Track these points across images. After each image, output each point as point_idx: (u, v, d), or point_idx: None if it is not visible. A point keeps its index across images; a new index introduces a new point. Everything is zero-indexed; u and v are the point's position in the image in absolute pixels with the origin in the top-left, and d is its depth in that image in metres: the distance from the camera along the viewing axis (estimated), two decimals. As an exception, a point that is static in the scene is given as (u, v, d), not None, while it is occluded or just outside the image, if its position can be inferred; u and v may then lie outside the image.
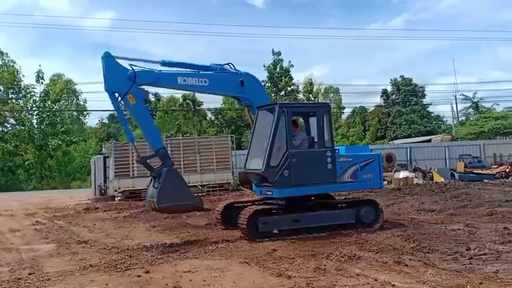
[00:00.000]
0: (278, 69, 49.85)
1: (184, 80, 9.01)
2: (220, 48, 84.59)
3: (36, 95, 45.04)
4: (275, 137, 8.79)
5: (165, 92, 51.51)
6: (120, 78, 8.43)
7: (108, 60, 8.44)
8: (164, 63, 9.04)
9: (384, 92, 55.93)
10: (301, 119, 10.80)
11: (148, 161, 8.89)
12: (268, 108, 9.42)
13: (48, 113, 44.39)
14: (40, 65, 46.39)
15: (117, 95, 8.51)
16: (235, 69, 9.68)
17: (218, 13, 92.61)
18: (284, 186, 8.84)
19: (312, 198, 9.60)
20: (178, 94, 49.85)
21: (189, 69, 9.27)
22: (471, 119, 52.45)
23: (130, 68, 8.58)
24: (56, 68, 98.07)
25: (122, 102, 8.59)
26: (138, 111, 8.65)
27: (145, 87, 9.03)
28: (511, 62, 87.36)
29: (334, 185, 9.35)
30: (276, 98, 44.68)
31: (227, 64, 9.61)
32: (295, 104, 9.66)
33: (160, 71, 8.93)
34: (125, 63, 8.63)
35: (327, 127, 9.26)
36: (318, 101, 58.25)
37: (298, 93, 51.74)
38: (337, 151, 9.47)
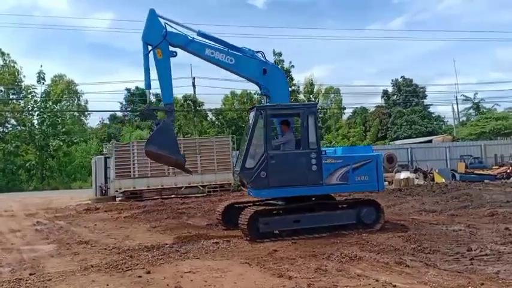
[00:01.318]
0: (279, 70, 49.73)
1: (211, 53, 9.61)
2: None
3: (37, 96, 45.07)
4: (252, 139, 9.09)
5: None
6: (154, 33, 9.35)
7: (151, 16, 9.41)
8: (200, 34, 9.83)
9: (385, 93, 55.90)
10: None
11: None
12: (253, 110, 9.57)
13: (49, 114, 44.39)
14: (41, 66, 46.31)
15: (150, 47, 9.36)
16: (264, 58, 9.99)
17: (218, 13, 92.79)
18: (260, 187, 9.02)
19: (313, 199, 9.61)
20: (179, 95, 49.90)
21: (220, 45, 9.75)
22: (472, 119, 52.37)
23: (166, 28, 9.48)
24: (55, 68, 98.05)
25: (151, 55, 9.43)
26: (161, 65, 9.39)
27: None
28: (510, 63, 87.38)
29: (319, 187, 9.14)
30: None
31: (259, 52, 10.02)
32: (275, 106, 9.49)
33: (193, 38, 9.63)
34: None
35: (311, 128, 9.17)
36: (318, 101, 58.37)
37: (298, 93, 51.71)
38: (323, 152, 9.36)
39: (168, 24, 9.45)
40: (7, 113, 44.55)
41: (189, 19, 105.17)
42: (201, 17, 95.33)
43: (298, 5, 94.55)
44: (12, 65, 46.75)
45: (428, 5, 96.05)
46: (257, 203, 10.01)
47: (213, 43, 9.76)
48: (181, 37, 9.56)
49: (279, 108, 9.54)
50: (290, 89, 50.00)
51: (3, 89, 45.80)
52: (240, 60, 9.75)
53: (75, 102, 52.49)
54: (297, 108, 9.78)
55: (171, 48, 9.48)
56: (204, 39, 9.75)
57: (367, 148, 11.29)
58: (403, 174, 22.07)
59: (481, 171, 24.87)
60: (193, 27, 9.99)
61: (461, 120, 54.15)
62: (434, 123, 52.19)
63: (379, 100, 58.05)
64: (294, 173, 9.04)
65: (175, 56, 9.54)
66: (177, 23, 9.60)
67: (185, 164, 9.90)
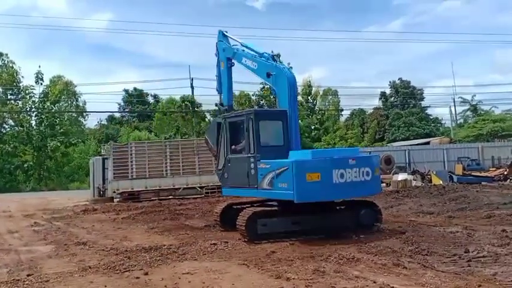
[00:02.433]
0: (277, 71, 49.73)
1: (245, 61, 11.08)
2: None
3: (35, 96, 45.01)
4: (220, 144, 10.46)
5: (164, 94, 51.55)
6: (218, 50, 11.84)
7: (218, 35, 11.84)
8: (242, 45, 11.55)
9: (383, 95, 56.00)
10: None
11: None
12: None
13: (47, 114, 44.34)
14: (40, 66, 46.12)
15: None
16: (277, 61, 10.67)
17: (218, 14, 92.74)
18: (225, 187, 10.53)
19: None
20: (177, 96, 49.99)
21: (251, 52, 11.16)
22: (469, 121, 52.50)
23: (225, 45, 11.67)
24: (54, 69, 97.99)
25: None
26: (223, 74, 11.75)
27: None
28: (508, 65, 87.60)
29: (256, 190, 9.45)
30: (275, 100, 44.73)
31: (275, 55, 10.99)
32: (230, 114, 10.63)
33: (237, 49, 11.40)
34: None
35: (250, 134, 9.58)
36: (316, 103, 58.46)
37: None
38: (259, 158, 9.40)
39: (221, 41, 11.71)
40: (5, 113, 44.45)
41: (189, 19, 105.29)
42: (201, 17, 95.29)
43: (297, 7, 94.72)
44: (10, 65, 46.65)
45: (428, 7, 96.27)
46: (255, 204, 10.03)
47: (248, 51, 11.17)
48: (230, 50, 11.51)
49: (232, 116, 10.48)
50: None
51: (1, 90, 45.69)
52: (260, 65, 10.66)
53: (74, 103, 52.36)
54: (240, 115, 10.27)
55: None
56: (244, 49, 11.30)
57: (354, 150, 11.13)
58: (401, 176, 22.14)
59: (478, 173, 24.93)
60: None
61: (458, 122, 54.29)
62: (432, 125, 52.26)
63: (377, 102, 58.11)
64: (240, 176, 9.83)
65: (233, 65, 11.55)
66: (234, 39, 11.67)
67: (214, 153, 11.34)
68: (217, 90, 12.13)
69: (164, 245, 8.84)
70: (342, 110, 58.92)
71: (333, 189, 8.76)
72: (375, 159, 10.17)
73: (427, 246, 7.88)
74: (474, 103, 54.60)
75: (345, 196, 9.40)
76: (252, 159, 9.48)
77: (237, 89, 50.44)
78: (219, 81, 11.96)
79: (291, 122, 9.92)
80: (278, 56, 10.93)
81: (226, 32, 11.86)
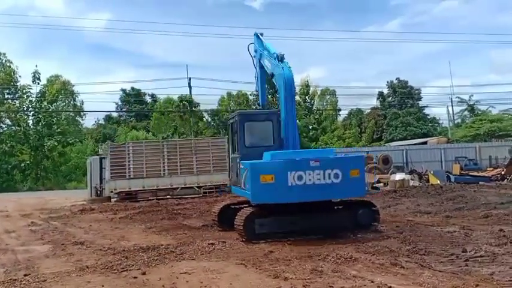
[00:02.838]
0: (275, 71, 49.74)
1: (265, 61, 11.27)
2: (218, 50, 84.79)
3: (33, 96, 44.87)
4: (229, 145, 11.13)
5: (161, 93, 51.54)
6: (251, 52, 12.05)
7: (254, 37, 11.91)
8: (265, 46, 11.70)
9: (380, 94, 56.11)
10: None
11: None
12: None
13: (44, 114, 44.21)
14: (36, 66, 45.97)
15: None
16: (282, 61, 10.63)
17: (216, 14, 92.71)
18: (232, 185, 10.85)
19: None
20: (175, 95, 49.96)
21: (269, 52, 11.23)
22: (467, 121, 52.63)
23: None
24: (52, 69, 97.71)
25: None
26: (259, 75, 11.97)
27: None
28: (505, 65, 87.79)
29: (240, 189, 9.78)
30: (273, 100, 44.76)
31: (280, 54, 10.94)
32: (230, 116, 11.65)
33: (262, 51, 11.51)
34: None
35: (237, 135, 9.96)
36: (313, 103, 58.58)
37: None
38: (240, 159, 9.74)
39: (253, 43, 11.91)
40: (2, 113, 44.29)
41: (188, 19, 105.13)
42: (200, 17, 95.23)
43: (296, 7, 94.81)
44: (8, 64, 46.47)
45: (426, 8, 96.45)
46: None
47: (268, 51, 11.18)
48: (257, 52, 11.71)
49: (230, 118, 11.11)
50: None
51: (-2, 89, 45.54)
52: (271, 65, 10.83)
53: (71, 102, 52.21)
54: (232, 117, 10.76)
55: None
56: (269, 50, 11.28)
57: (329, 151, 10.90)
58: (399, 176, 22.17)
59: (475, 173, 24.98)
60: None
61: (456, 122, 54.40)
62: (430, 125, 52.38)
63: (374, 102, 58.22)
64: (235, 175, 10.27)
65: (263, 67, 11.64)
66: (265, 42, 11.67)
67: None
68: (256, 90, 12.70)
69: (162, 245, 8.84)
70: (340, 109, 59.10)
71: (288, 191, 8.58)
72: (354, 161, 9.39)
73: (425, 245, 7.89)
74: (471, 103, 54.77)
75: (305, 199, 8.82)
76: (237, 160, 9.90)
77: (236, 88, 50.76)
78: (257, 81, 12.33)
79: (287, 121, 9.87)
80: (282, 55, 10.77)
81: (262, 35, 11.79)
